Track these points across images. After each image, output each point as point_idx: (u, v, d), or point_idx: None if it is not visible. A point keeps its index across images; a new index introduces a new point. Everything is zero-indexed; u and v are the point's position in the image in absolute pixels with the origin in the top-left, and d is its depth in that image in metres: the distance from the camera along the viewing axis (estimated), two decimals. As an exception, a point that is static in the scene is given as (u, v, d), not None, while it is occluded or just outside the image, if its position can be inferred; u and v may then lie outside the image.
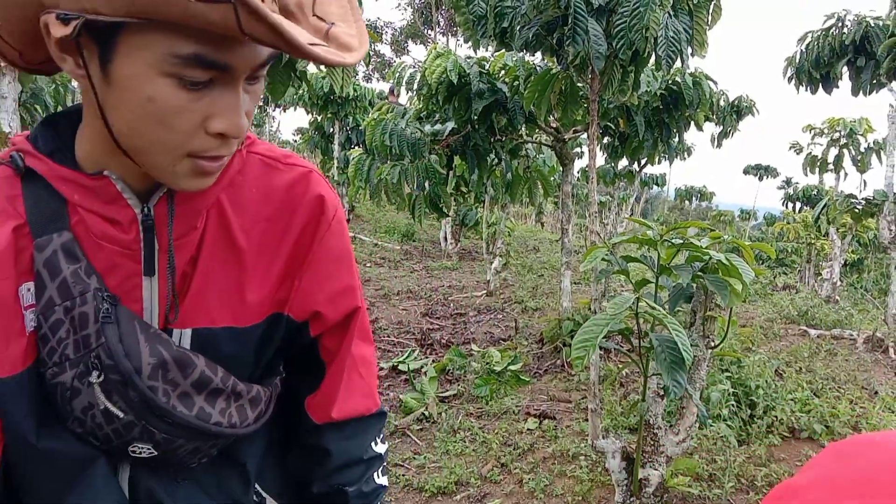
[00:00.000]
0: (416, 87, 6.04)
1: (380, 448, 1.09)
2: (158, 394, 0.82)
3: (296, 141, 22.31)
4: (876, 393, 4.57)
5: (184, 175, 0.77)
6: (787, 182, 20.36)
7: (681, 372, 2.63)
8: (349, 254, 1.01)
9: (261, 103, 17.39)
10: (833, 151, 7.69)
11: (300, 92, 11.60)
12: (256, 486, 1.01)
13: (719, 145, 10.77)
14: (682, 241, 3.01)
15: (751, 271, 2.89)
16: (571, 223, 6.16)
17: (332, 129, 12.64)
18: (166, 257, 0.84)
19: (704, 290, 3.05)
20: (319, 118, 12.68)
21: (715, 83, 5.79)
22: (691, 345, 2.75)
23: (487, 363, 5.31)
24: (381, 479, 1.09)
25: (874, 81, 6.28)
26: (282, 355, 1.02)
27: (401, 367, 5.60)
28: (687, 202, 21.62)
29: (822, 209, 7.45)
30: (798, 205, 15.01)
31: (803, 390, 4.38)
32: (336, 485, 1.04)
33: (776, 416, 3.99)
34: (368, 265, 9.82)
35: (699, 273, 2.96)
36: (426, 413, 4.53)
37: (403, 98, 8.06)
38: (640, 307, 2.78)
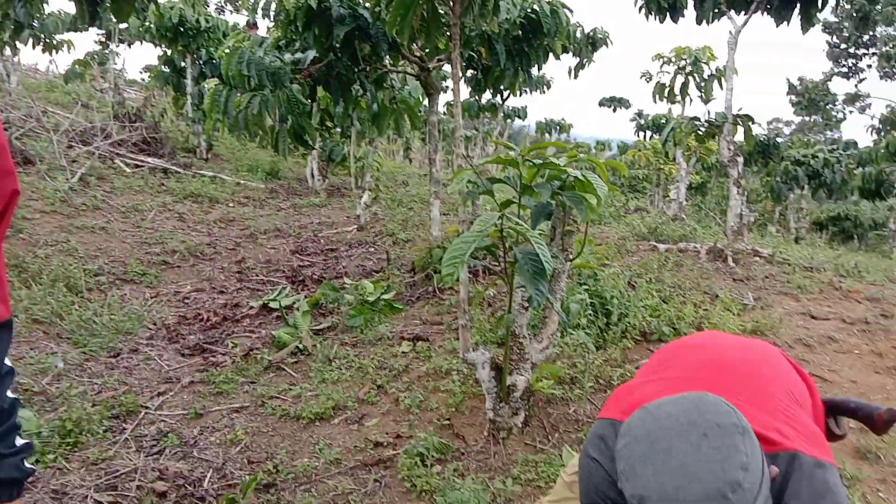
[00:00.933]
0: (272, 13, 5.78)
1: (12, 394, 1.03)
2: None
3: (143, 80, 20.81)
4: (716, 296, 5.05)
5: None
6: (639, 114, 21.39)
7: (543, 282, 2.78)
8: (6, 140, 1.02)
9: (102, 38, 15.95)
10: (680, 79, 8.18)
11: (146, 24, 10.79)
12: None
13: (576, 76, 11.15)
14: (542, 161, 3.15)
15: (605, 186, 3.07)
16: (439, 154, 6.22)
17: (183, 64, 11.88)
18: None
19: (563, 206, 3.21)
20: (169, 52, 11.88)
21: (571, 12, 5.95)
22: (552, 257, 2.91)
23: (361, 294, 5.35)
24: (23, 440, 1.05)
25: (716, 10, 6.68)
26: None
27: (272, 304, 5.53)
28: (547, 135, 22.31)
29: (670, 132, 7.98)
30: (648, 133, 15.90)
31: (653, 298, 4.77)
32: None
33: (629, 323, 4.34)
34: (231, 205, 9.47)
35: (558, 191, 3.11)
36: (300, 346, 4.54)
37: (263, 31, 7.69)
38: (504, 224, 2.90)
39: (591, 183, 3.03)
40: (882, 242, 13.96)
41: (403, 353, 4.32)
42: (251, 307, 5.56)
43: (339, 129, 10.41)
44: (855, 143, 16.21)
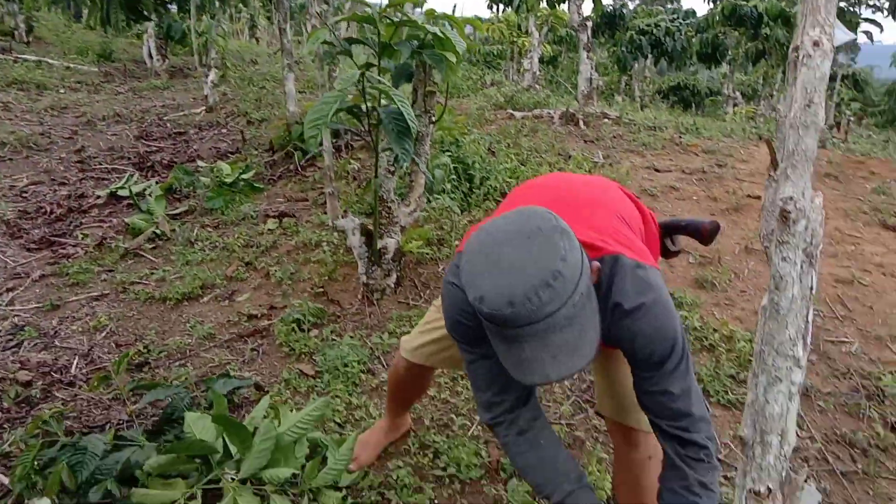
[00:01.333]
0: None
1: None
2: None
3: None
4: (569, 156, 5.31)
5: None
6: (492, -13, 21.13)
7: (408, 141, 2.79)
8: None
9: None
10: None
11: None
12: None
13: (428, -56, 10.69)
14: (400, 19, 3.07)
15: (463, 42, 3.07)
16: (289, 23, 5.89)
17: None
18: None
19: (423, 66, 3.18)
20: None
21: None
22: (416, 117, 2.91)
23: (218, 176, 5.14)
24: None
25: None
26: None
27: (120, 192, 5.20)
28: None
29: (522, -2, 8.02)
30: (501, 7, 15.79)
31: (512, 161, 4.94)
32: None
33: (491, 185, 4.50)
34: (63, 91, 8.60)
35: (418, 50, 3.07)
36: (158, 231, 4.34)
37: None
38: (365, 83, 2.84)
39: (450, 40, 3.00)
40: (717, 108, 15.03)
41: (270, 230, 4.25)
42: (98, 197, 5.20)
43: (175, 6, 9.54)
44: (693, 13, 16.98)
